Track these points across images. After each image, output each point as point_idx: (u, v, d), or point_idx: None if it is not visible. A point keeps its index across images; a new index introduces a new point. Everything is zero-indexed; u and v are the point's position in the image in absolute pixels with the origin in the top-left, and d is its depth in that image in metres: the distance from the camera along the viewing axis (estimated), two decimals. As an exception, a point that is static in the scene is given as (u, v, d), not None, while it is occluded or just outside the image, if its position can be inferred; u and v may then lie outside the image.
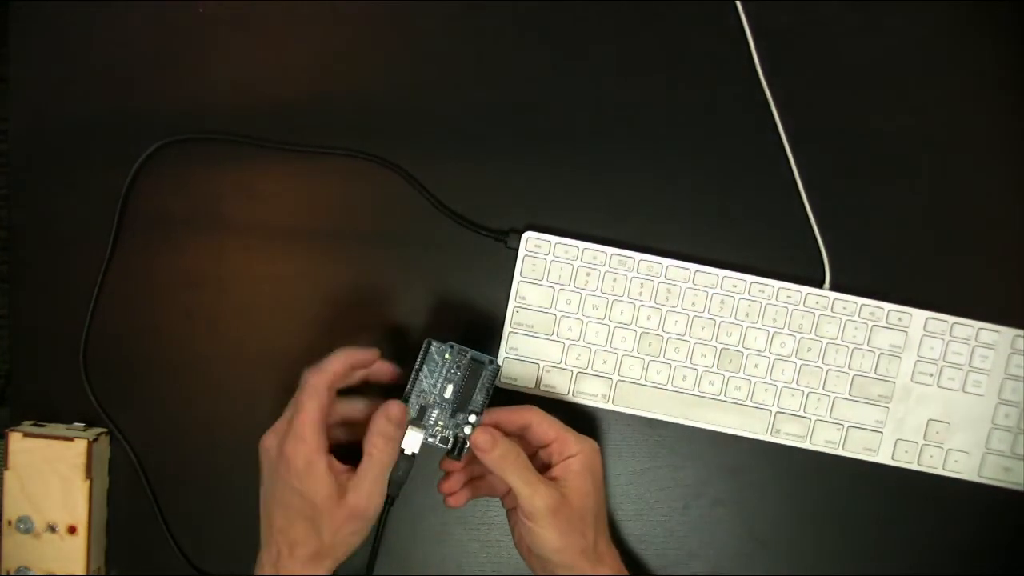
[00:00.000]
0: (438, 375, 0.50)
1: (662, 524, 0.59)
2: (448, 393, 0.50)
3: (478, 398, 0.50)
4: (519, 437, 0.51)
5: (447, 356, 0.50)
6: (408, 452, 0.50)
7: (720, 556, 0.59)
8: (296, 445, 0.47)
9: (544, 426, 0.50)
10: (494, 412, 0.51)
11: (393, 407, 0.48)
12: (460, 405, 0.50)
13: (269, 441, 0.48)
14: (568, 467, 0.49)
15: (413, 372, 0.50)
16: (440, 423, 0.50)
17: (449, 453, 0.51)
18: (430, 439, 0.50)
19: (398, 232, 0.58)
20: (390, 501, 0.51)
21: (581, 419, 0.58)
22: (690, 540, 0.59)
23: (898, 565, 0.58)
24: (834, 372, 0.57)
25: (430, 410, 0.50)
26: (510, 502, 0.54)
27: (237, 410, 0.57)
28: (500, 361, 0.57)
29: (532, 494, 0.48)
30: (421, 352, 0.50)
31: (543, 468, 0.51)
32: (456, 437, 0.50)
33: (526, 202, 0.58)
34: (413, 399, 0.50)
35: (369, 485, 0.47)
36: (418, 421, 0.50)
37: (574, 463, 0.50)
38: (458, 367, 0.50)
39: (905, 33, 0.59)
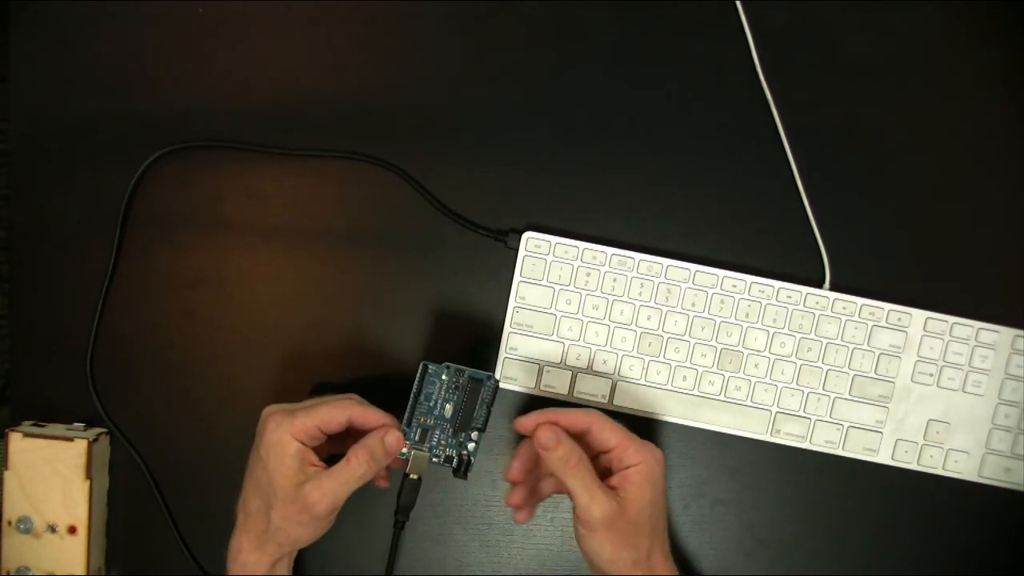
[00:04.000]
0: (437, 396, 0.50)
1: (662, 524, 0.59)
2: (448, 413, 0.50)
3: (480, 415, 0.50)
4: (579, 441, 0.49)
5: (444, 377, 0.50)
6: (413, 477, 0.50)
7: (720, 556, 0.59)
8: (280, 420, 0.47)
9: (605, 432, 0.49)
10: (554, 412, 0.49)
11: (393, 436, 0.48)
12: (462, 424, 0.50)
13: (267, 410, 0.49)
14: (628, 477, 0.47)
15: (412, 396, 0.50)
16: (443, 442, 0.50)
17: (455, 472, 0.50)
18: (434, 460, 0.50)
19: (398, 232, 0.58)
20: (400, 525, 0.51)
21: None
22: (690, 540, 0.59)
23: (898, 565, 0.58)
24: (834, 372, 0.57)
25: (431, 431, 0.50)
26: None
27: (237, 410, 0.57)
28: (500, 361, 0.57)
29: (590, 502, 0.46)
30: (418, 375, 0.50)
31: (603, 474, 0.49)
32: (460, 456, 0.50)
33: (526, 202, 0.58)
34: (414, 423, 0.50)
35: (330, 484, 0.47)
36: (420, 444, 0.50)
37: (634, 474, 0.47)
38: (456, 386, 0.50)
39: (905, 32, 0.59)
